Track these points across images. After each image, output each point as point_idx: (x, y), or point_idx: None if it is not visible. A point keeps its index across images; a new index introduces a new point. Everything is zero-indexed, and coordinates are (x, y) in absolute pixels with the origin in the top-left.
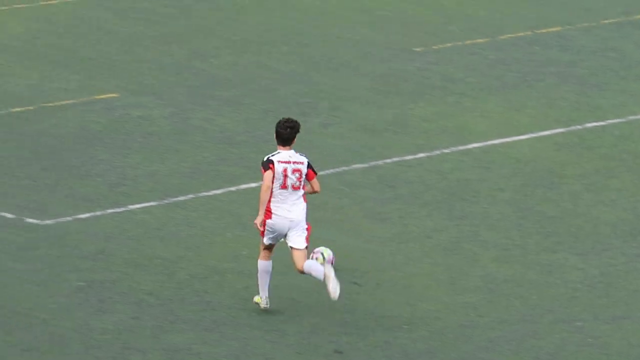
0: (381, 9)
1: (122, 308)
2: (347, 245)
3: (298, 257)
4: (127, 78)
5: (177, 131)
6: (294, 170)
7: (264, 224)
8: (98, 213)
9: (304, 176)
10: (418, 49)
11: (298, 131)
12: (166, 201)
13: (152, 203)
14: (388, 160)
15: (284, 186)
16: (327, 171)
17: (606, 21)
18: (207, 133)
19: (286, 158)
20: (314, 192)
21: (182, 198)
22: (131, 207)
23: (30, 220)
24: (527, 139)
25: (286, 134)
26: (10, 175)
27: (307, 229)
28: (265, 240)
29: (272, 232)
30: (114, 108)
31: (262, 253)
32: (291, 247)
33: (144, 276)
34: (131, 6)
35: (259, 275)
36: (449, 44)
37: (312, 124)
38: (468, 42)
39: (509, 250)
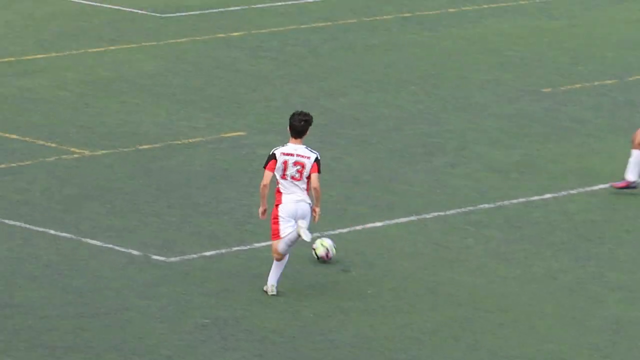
0: (510, 49)
1: (246, 346)
2: (471, 284)
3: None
4: (254, 116)
5: None
6: (296, 163)
7: (276, 215)
8: (223, 250)
9: (306, 170)
10: (546, 90)
11: (311, 124)
12: None
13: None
14: (514, 201)
15: (283, 176)
16: (453, 211)
17: None
18: (334, 172)
19: (291, 150)
20: (313, 187)
21: None
22: (256, 245)
23: (156, 257)
24: None
25: (300, 126)
26: (137, 212)
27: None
28: (282, 232)
29: (286, 219)
30: (241, 146)
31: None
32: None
33: (268, 314)
34: (259, 45)
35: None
36: (577, 85)
37: (439, 163)
38: (596, 83)
39: (634, 292)
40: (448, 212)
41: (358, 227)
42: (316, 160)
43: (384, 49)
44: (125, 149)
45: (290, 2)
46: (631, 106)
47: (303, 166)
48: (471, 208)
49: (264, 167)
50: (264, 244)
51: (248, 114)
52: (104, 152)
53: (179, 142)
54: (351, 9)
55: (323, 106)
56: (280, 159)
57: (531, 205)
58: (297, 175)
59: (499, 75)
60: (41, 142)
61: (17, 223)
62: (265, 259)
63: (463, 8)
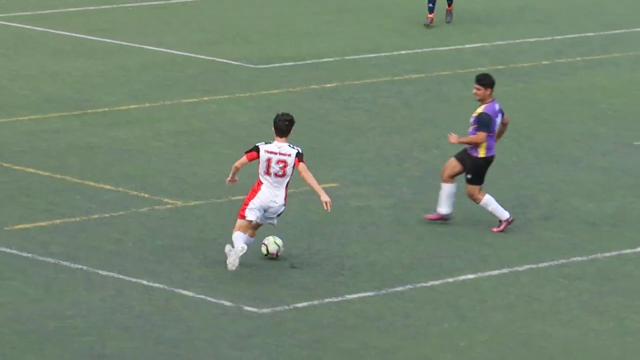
0: (604, 102)
1: None
2: (563, 337)
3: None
4: (347, 168)
5: (398, 222)
6: (279, 161)
7: (247, 201)
8: (315, 302)
9: (289, 166)
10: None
11: (293, 124)
12: (384, 291)
13: (369, 293)
14: (607, 254)
15: (267, 172)
16: (546, 263)
17: None
18: (427, 224)
19: (274, 149)
20: (302, 177)
21: (400, 288)
22: (348, 296)
23: (248, 308)
24: None
25: (284, 126)
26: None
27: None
28: (248, 216)
29: (255, 209)
30: (333, 198)
31: (241, 225)
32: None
33: None
34: (353, 97)
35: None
36: None
37: (532, 216)
38: None
39: None
40: (540, 265)
41: (450, 280)
42: (297, 154)
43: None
44: (217, 200)
45: (383, 54)
46: None
47: (285, 163)
48: (564, 260)
49: (245, 153)
50: (355, 295)
51: (340, 165)
52: (196, 202)
53: None
54: (445, 61)
55: (416, 158)
56: (263, 156)
57: (624, 258)
58: (280, 172)
59: (592, 127)
60: (134, 193)
61: (110, 273)
62: (358, 311)
63: (556, 60)
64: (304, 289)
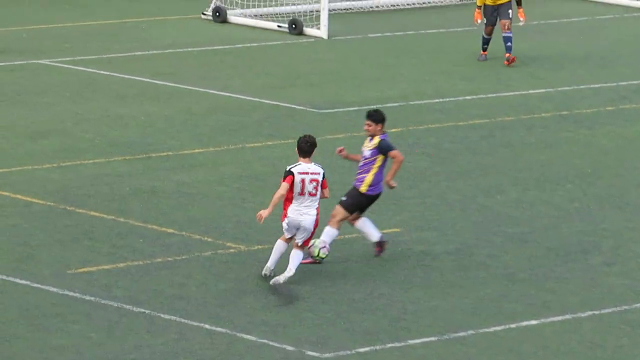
0: None
1: None
2: None
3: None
4: (411, 213)
5: (460, 267)
6: (312, 180)
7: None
8: (377, 347)
9: (319, 184)
10: None
11: (315, 146)
12: (446, 337)
13: (431, 338)
14: None
15: (302, 193)
16: (609, 309)
17: None
18: (489, 269)
19: (305, 169)
20: (324, 197)
21: (462, 334)
22: (411, 341)
23: (311, 353)
24: None
25: (306, 147)
26: (291, 308)
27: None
28: (286, 233)
29: (288, 229)
30: (397, 243)
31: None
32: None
33: None
34: (416, 142)
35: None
36: None
37: (595, 262)
38: None
39: None
40: (603, 311)
41: (513, 325)
42: (323, 175)
43: (541, 146)
44: None
45: (448, 99)
46: None
47: (317, 182)
48: (627, 307)
49: (283, 180)
50: (417, 340)
51: (404, 210)
52: (259, 247)
53: (335, 238)
54: (509, 106)
55: (480, 203)
56: (297, 178)
57: None
58: (314, 191)
59: None
60: (198, 237)
61: (173, 317)
62: (420, 356)
63: (621, 106)
64: (366, 334)
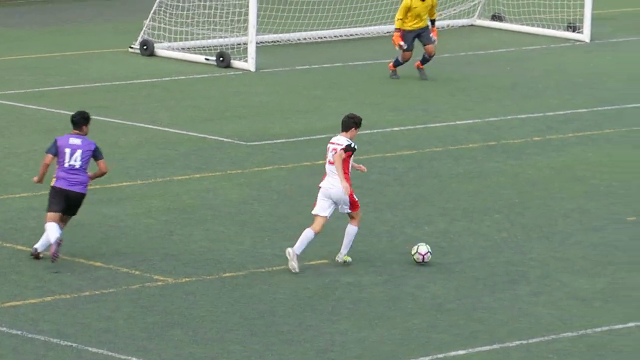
0: (595, 178)
1: None
2: None
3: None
4: (339, 245)
5: (389, 298)
6: (332, 149)
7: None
8: None
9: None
10: (631, 219)
11: (355, 121)
12: None
13: None
14: (597, 329)
15: (328, 162)
16: (536, 339)
17: None
18: (418, 300)
19: (333, 140)
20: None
21: None
22: None
23: None
24: None
25: (344, 121)
26: (220, 341)
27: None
28: (316, 208)
29: (322, 201)
30: (325, 274)
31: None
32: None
33: None
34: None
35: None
36: None
37: (522, 292)
38: None
39: None
40: (531, 341)
41: (441, 355)
42: (347, 146)
43: (469, 177)
44: (208, 277)
45: (375, 131)
46: None
47: (335, 151)
48: (554, 336)
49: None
50: None
51: (331, 242)
52: (187, 279)
53: (263, 270)
54: (437, 137)
55: (408, 234)
56: (329, 147)
57: (615, 334)
58: (332, 159)
59: (583, 203)
60: (125, 270)
61: (101, 350)
62: None
63: (548, 136)
64: None
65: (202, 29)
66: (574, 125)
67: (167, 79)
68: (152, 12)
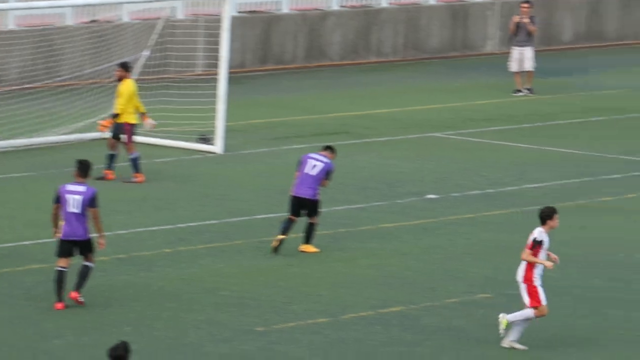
0: (225, 289)
1: None
2: None
3: None
4: None
5: None
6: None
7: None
8: None
9: None
10: (260, 329)
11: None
12: None
13: None
14: None
15: None
16: None
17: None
18: None
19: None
20: None
21: None
22: None
23: None
24: None
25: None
26: None
27: None
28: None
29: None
30: None
31: None
32: None
33: None
34: None
35: None
36: (291, 324)
37: None
38: (309, 321)
39: None
40: None
41: None
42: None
43: (99, 290)
44: None
45: (7, 245)
46: (344, 344)
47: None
48: None
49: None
50: None
51: None
52: None
53: None
54: None
55: None
56: None
57: None
58: None
59: (213, 314)
60: None
61: None
62: None
63: (179, 248)
64: None
65: None
66: (205, 237)
67: None
68: None
